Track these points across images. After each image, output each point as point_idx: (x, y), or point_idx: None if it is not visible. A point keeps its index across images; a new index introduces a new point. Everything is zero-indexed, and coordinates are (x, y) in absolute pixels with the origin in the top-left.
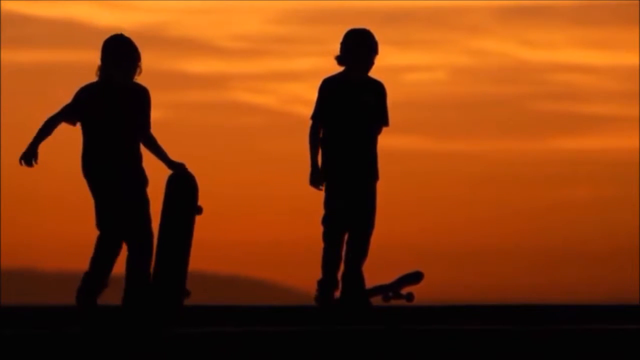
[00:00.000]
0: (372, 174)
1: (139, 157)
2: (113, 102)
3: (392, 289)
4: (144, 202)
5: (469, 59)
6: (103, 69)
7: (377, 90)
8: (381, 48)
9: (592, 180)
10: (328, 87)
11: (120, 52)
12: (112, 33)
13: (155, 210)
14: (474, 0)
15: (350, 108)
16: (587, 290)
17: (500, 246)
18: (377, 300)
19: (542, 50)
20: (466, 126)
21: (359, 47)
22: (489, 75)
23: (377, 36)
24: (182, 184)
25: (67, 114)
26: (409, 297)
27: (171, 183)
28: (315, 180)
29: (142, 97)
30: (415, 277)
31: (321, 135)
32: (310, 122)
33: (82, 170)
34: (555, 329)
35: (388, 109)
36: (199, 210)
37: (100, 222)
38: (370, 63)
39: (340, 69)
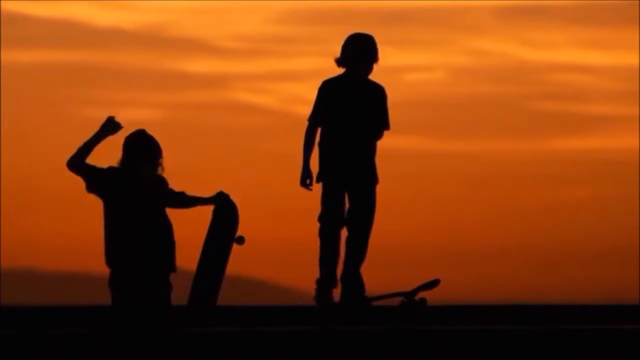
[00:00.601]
0: (370, 176)
1: (167, 259)
2: (137, 194)
3: (408, 295)
4: (167, 289)
5: (469, 59)
6: (124, 164)
7: (377, 93)
8: (381, 48)
9: (592, 180)
10: (327, 89)
11: (142, 150)
12: (135, 129)
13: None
14: (474, 0)
15: (349, 109)
16: (587, 290)
17: (500, 246)
18: (390, 302)
19: (542, 50)
20: (466, 126)
21: (359, 52)
22: (488, 75)
23: (377, 36)
24: (223, 215)
25: (92, 170)
26: (422, 302)
27: (215, 214)
28: (305, 182)
29: (162, 188)
30: (432, 284)
31: (319, 135)
32: (307, 123)
33: (106, 260)
34: (555, 329)
35: (389, 111)
36: (239, 240)
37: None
38: (369, 69)
39: (340, 70)
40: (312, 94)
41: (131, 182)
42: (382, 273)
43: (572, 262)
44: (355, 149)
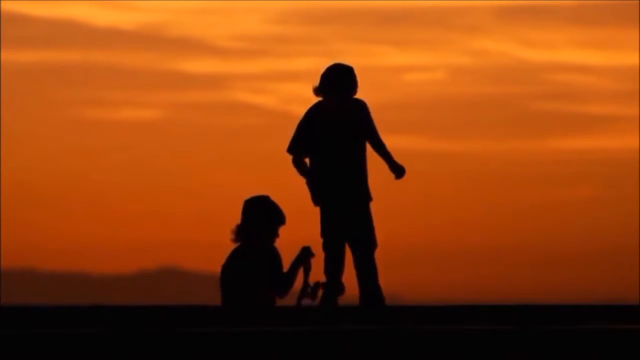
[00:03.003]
0: (363, 195)
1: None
2: (249, 266)
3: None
4: None
5: (469, 59)
6: (243, 230)
7: (359, 109)
8: (381, 48)
9: (592, 180)
10: (308, 119)
11: (268, 216)
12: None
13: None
14: (474, 0)
15: (333, 132)
16: (587, 290)
17: (500, 246)
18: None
19: (542, 50)
20: (466, 126)
21: (339, 82)
22: (488, 75)
23: (377, 36)
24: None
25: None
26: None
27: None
28: (317, 201)
29: (274, 259)
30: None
31: (308, 161)
32: (290, 155)
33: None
34: (555, 329)
35: (373, 122)
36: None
37: None
38: (348, 99)
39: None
40: (312, 94)
41: (244, 254)
42: (382, 273)
43: (572, 262)
44: (346, 170)
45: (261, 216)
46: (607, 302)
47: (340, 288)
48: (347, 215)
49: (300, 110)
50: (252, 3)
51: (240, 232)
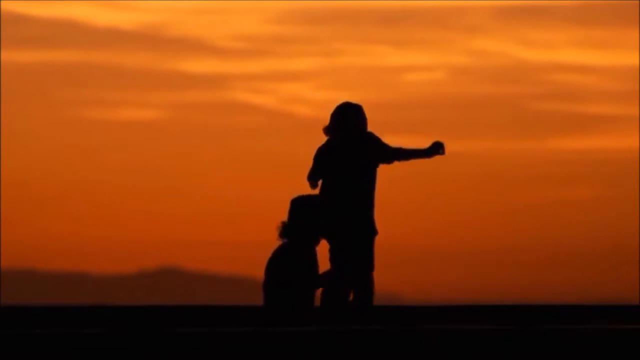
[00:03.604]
0: (369, 229)
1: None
2: (294, 264)
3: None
4: None
5: (468, 59)
6: (287, 229)
7: (368, 144)
8: (381, 48)
9: (592, 180)
10: (317, 157)
11: (307, 217)
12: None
13: None
14: (473, 0)
15: (341, 169)
16: (587, 290)
17: (500, 246)
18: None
19: (542, 50)
20: (466, 126)
21: (347, 121)
22: (488, 75)
23: (377, 36)
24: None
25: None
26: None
27: None
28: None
29: (313, 260)
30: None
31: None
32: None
33: None
34: (555, 329)
35: (385, 143)
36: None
37: None
38: (358, 136)
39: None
40: (312, 94)
41: (289, 251)
42: (381, 273)
43: (572, 262)
44: (353, 205)
45: (313, 215)
46: (607, 302)
47: (345, 291)
48: (351, 252)
49: (301, 110)
50: (252, 3)
51: (288, 230)
